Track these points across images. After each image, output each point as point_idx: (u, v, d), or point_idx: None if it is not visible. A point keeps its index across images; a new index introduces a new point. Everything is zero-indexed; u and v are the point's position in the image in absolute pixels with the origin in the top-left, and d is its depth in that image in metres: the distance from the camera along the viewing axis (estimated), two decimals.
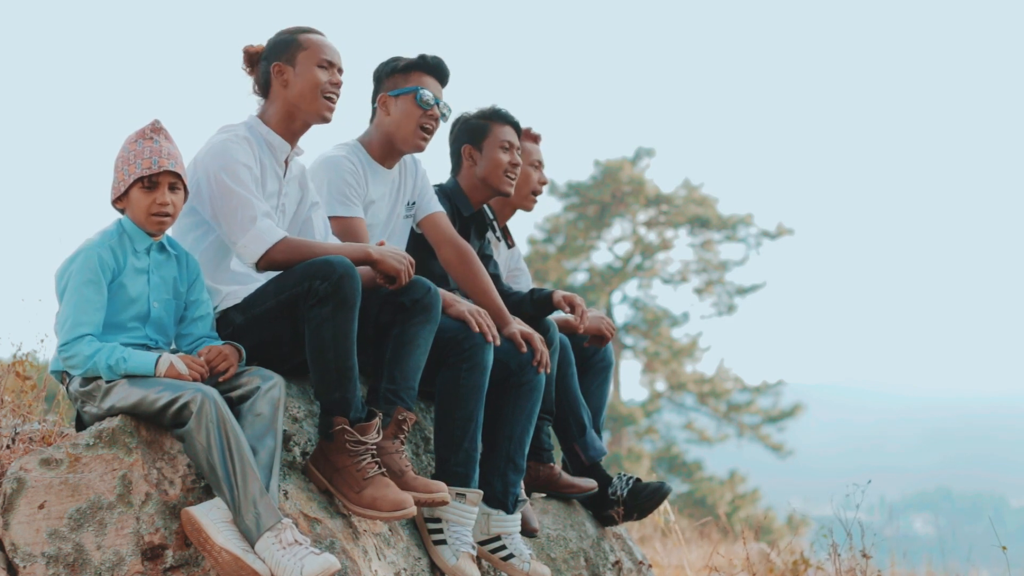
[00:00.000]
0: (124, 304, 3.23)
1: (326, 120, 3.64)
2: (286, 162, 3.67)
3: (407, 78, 4.02)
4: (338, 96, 3.65)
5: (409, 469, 3.50)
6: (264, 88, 3.66)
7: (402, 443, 3.54)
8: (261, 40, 3.73)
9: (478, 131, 4.39)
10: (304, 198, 3.77)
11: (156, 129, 3.25)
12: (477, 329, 3.73)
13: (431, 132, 4.02)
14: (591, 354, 4.69)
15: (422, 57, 4.03)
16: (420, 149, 4.03)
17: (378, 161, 4.05)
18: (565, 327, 4.54)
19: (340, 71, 3.65)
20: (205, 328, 3.39)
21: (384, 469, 3.42)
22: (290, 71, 3.60)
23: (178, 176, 3.25)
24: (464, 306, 3.79)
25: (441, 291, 3.79)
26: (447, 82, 4.09)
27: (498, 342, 3.79)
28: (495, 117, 4.40)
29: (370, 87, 4.16)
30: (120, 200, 3.26)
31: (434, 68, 4.04)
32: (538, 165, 4.69)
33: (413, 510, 3.33)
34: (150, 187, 3.22)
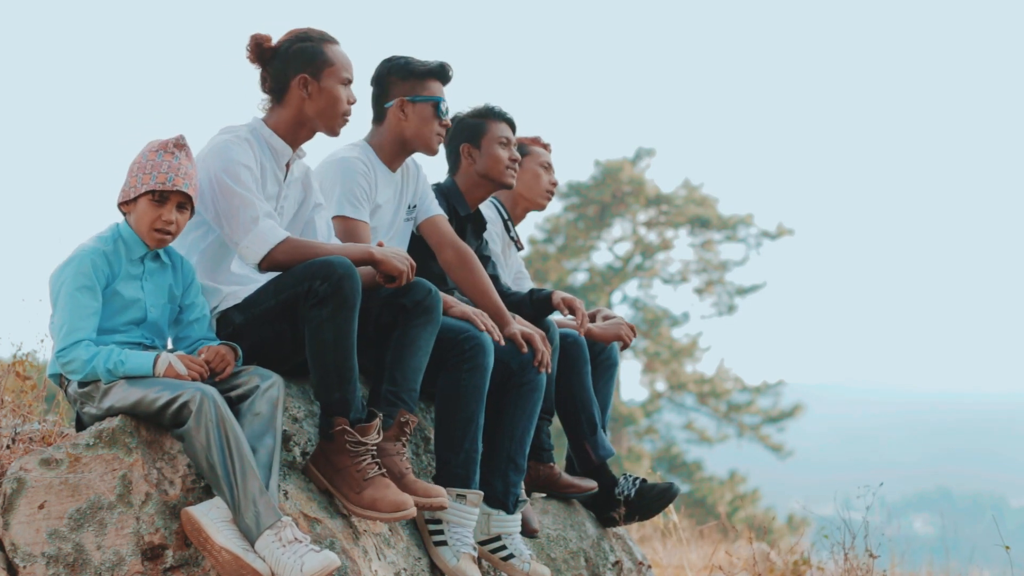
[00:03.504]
0: (119, 308, 3.24)
1: (335, 135, 3.65)
2: (287, 165, 3.66)
3: (425, 85, 4.01)
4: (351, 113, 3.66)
5: (409, 472, 3.50)
6: (278, 93, 3.59)
7: (404, 446, 3.54)
8: (267, 30, 3.63)
9: (475, 129, 4.41)
10: (307, 199, 3.76)
11: (179, 145, 3.26)
12: (483, 328, 3.75)
13: (443, 137, 4.09)
14: (597, 352, 4.69)
15: (441, 67, 4.03)
16: (435, 153, 4.09)
17: (386, 164, 4.05)
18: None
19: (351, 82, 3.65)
20: (202, 330, 3.39)
21: (384, 470, 3.42)
22: (315, 85, 3.55)
23: (188, 198, 3.26)
24: (467, 307, 3.82)
25: (441, 294, 3.80)
26: None
27: (502, 342, 3.82)
28: (490, 115, 4.44)
29: (367, 88, 4.13)
30: (127, 204, 3.27)
31: (447, 78, 4.07)
32: (547, 167, 4.82)
33: (413, 511, 3.34)
34: (159, 201, 3.23)
